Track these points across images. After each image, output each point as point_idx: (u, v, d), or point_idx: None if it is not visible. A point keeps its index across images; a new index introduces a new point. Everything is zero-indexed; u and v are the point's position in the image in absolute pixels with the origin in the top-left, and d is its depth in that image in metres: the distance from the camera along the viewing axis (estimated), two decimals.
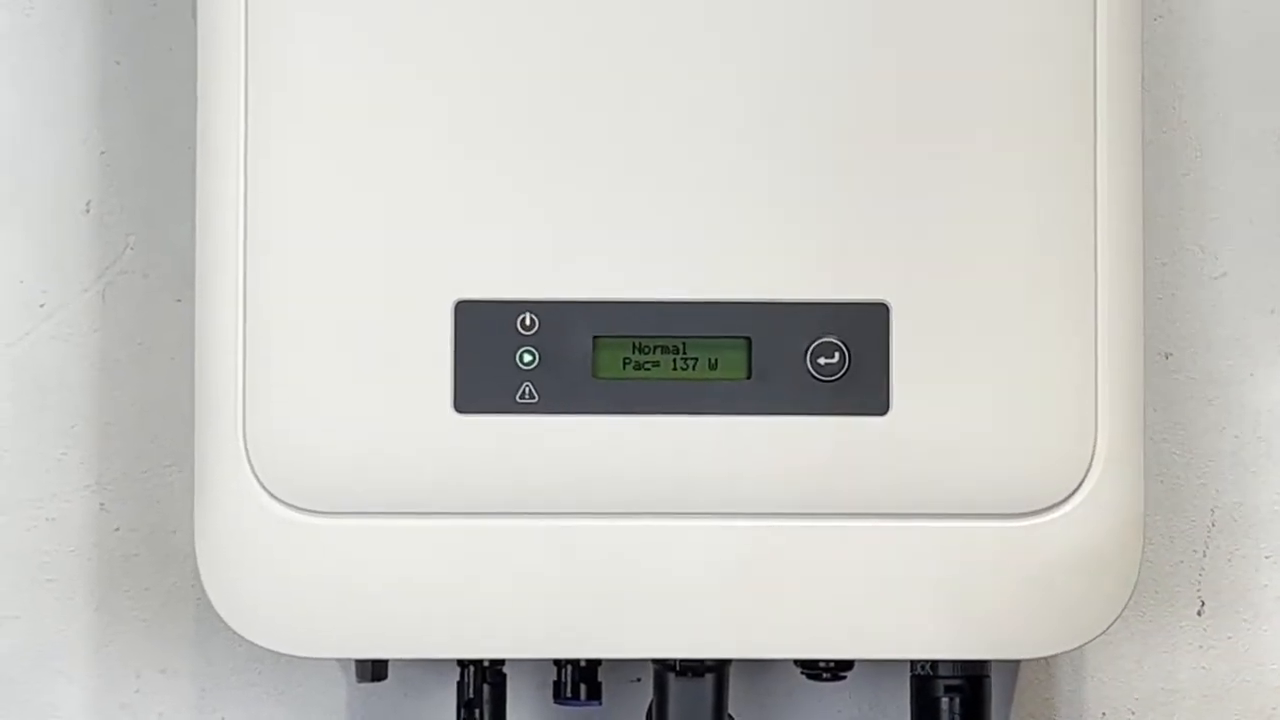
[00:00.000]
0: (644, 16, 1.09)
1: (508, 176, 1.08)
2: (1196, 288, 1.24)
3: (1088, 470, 1.08)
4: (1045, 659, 1.22)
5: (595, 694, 1.17)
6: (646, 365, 1.08)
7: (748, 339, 1.08)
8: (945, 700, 1.16)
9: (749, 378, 1.07)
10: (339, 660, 1.20)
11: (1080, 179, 1.09)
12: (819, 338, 1.07)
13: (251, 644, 1.09)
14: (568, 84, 1.09)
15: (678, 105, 1.09)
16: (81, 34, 1.24)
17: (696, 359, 1.08)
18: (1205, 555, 1.23)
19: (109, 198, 1.23)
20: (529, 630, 1.10)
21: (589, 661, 1.16)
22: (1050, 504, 1.08)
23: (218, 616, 1.09)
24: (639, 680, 1.17)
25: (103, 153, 1.23)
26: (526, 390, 1.06)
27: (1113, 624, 1.10)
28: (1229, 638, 1.23)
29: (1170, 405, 1.22)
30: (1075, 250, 1.09)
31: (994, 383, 1.09)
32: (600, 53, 1.09)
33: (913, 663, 1.16)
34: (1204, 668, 1.23)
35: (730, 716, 1.14)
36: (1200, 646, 1.23)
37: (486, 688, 1.15)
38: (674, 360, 1.08)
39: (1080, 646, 1.14)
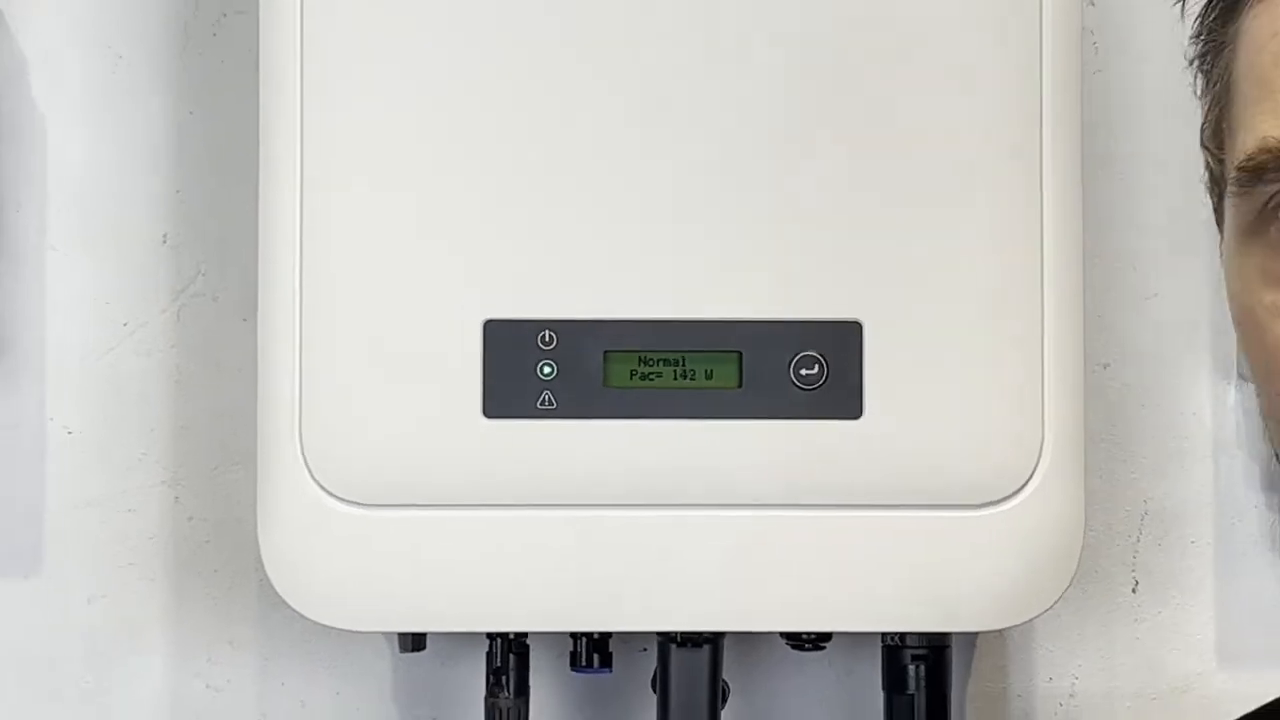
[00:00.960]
0: (650, 87, 1.09)
1: (530, 215, 1.08)
2: (1130, 307, 1.24)
3: (1035, 467, 1.08)
4: (999, 631, 1.22)
5: (607, 663, 1.17)
6: (651, 375, 1.08)
7: (739, 353, 1.07)
8: (912, 668, 1.16)
9: (740, 387, 1.07)
10: (384, 633, 1.20)
11: (1028, 215, 1.09)
12: (800, 352, 1.07)
13: (307, 619, 1.09)
14: (583, 143, 1.09)
15: (678, 158, 1.09)
16: (160, 87, 1.24)
17: (694, 370, 1.08)
18: (1138, 541, 1.24)
19: (183, 230, 1.23)
20: (549, 607, 1.10)
21: (601, 634, 1.16)
22: (1003, 496, 1.08)
23: (278, 595, 1.08)
24: (645, 650, 1.17)
25: (178, 191, 1.23)
26: (546, 398, 1.06)
27: (1058, 601, 1.09)
28: (1159, 612, 1.23)
29: (1108, 411, 1.22)
30: (1024, 276, 1.09)
31: (953, 391, 1.09)
32: (611, 117, 1.09)
33: (883, 635, 1.15)
34: (1137, 638, 1.23)
35: (724, 682, 1.14)
36: (1134, 620, 1.23)
37: (512, 657, 1.15)
38: (675, 371, 1.08)
39: (1030, 620, 1.12)
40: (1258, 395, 0.79)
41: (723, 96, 1.09)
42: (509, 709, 1.15)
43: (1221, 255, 0.79)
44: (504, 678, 1.15)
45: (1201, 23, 0.80)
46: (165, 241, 1.22)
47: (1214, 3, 0.79)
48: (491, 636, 1.14)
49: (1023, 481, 1.08)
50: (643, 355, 1.07)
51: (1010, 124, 1.10)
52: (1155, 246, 1.24)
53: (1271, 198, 0.74)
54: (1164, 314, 1.23)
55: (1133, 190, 1.24)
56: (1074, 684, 1.24)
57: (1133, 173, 1.24)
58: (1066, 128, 1.10)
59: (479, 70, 1.08)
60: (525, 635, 1.15)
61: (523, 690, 1.15)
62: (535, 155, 1.08)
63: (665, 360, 1.07)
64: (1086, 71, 1.13)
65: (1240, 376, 1.26)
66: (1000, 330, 1.09)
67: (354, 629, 1.14)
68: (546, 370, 1.06)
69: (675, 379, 1.08)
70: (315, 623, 1.09)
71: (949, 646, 1.17)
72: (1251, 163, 0.74)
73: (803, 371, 1.06)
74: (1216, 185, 0.79)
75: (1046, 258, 1.09)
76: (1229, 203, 0.77)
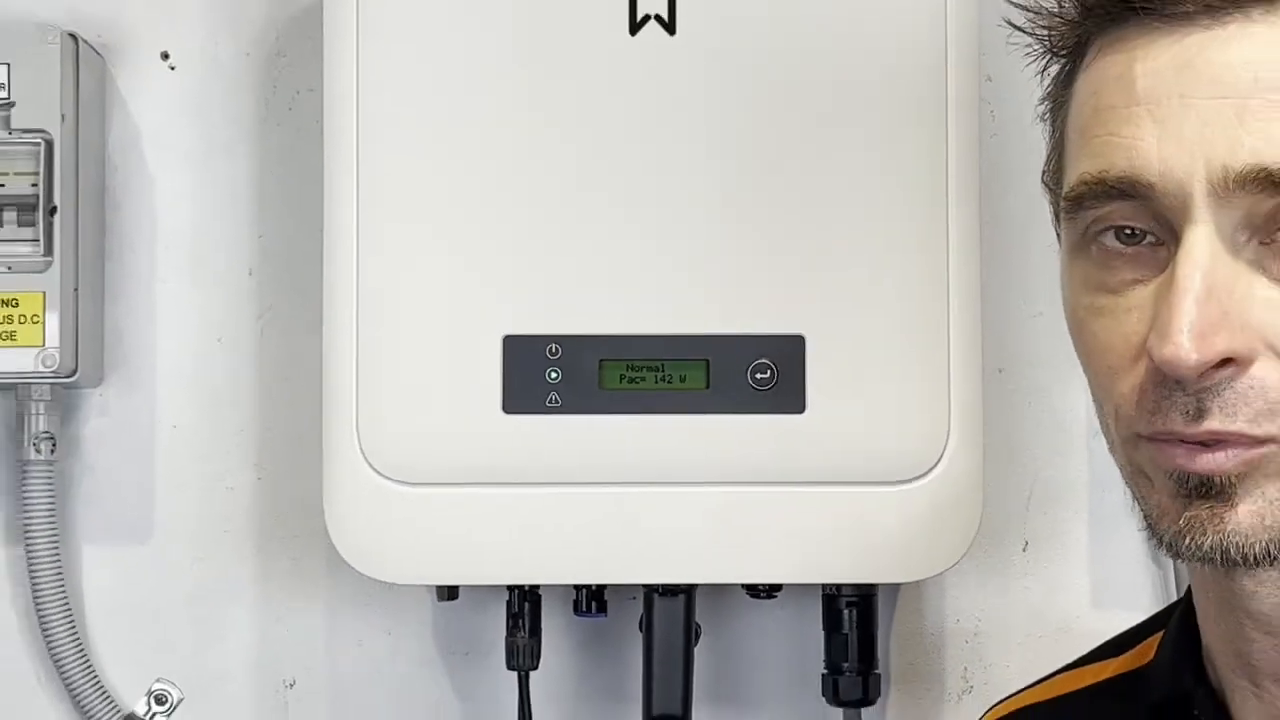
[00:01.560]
0: (636, 162, 1.10)
1: (540, 254, 1.10)
2: (1020, 324, 1.23)
3: (943, 452, 1.10)
4: (916, 582, 1.21)
5: (603, 609, 1.18)
6: (637, 379, 1.09)
7: (706, 361, 1.09)
8: (846, 612, 1.16)
9: (708, 388, 1.09)
10: (425, 586, 1.19)
11: (936, 252, 1.10)
12: (756, 359, 1.09)
13: (364, 575, 1.11)
14: (583, 202, 1.10)
15: (660, 212, 1.10)
16: (246, 151, 1.24)
17: (671, 375, 1.10)
18: (1028, 510, 1.23)
19: (264, 266, 1.23)
20: (557, 564, 1.11)
21: (598, 586, 1.17)
22: (917, 475, 1.09)
23: (340, 556, 1.10)
24: (634, 599, 1.16)
25: (260, 235, 1.23)
26: (553, 398, 1.08)
27: (962, 558, 1.11)
28: (1045, 567, 1.23)
29: (1002, 406, 1.21)
30: (933, 300, 1.11)
31: (877, 391, 1.10)
32: (604, 183, 1.10)
33: (823, 585, 1.16)
34: (1027, 588, 1.22)
35: (697, 624, 1.14)
36: (1025, 574, 1.22)
37: (527, 604, 1.15)
38: (656, 376, 1.09)
39: (940, 574, 1.14)
40: (1087, 381, 0.78)
41: (691, 167, 1.10)
42: (525, 646, 1.15)
43: (1060, 270, 0.79)
44: (520, 621, 1.15)
45: (1049, 86, 0.79)
46: (250, 274, 1.23)
47: (1058, 70, 0.78)
48: (510, 588, 1.15)
49: (933, 463, 1.09)
50: (630, 363, 1.09)
51: (920, 180, 1.11)
52: (1039, 275, 1.21)
53: (1091, 222, 0.73)
54: (1046, 329, 1.22)
55: (1021, 230, 1.22)
56: (977, 624, 1.23)
57: (1021, 217, 1.22)
58: (967, 181, 1.11)
59: (501, 147, 1.10)
60: (537, 587, 1.16)
61: (535, 631, 1.16)
62: (544, 210, 1.10)
63: (648, 367, 1.09)
64: (984, 134, 1.14)
65: None
66: (914, 343, 1.10)
67: (400, 582, 1.16)
68: (553, 375, 1.08)
69: (656, 382, 1.10)
70: (370, 577, 1.11)
71: (876, 594, 1.17)
72: (1074, 194, 0.73)
73: (758, 375, 1.08)
74: (1056, 215, 0.78)
75: (951, 285, 1.11)
76: (1062, 227, 0.77)
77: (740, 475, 1.09)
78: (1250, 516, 0.70)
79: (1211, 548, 0.70)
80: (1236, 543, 0.70)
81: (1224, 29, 0.70)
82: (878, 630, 1.18)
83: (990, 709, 0.95)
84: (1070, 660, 0.93)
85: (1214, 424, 0.69)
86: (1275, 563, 0.71)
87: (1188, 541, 0.71)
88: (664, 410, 1.09)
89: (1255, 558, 0.70)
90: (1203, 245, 0.69)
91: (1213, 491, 0.70)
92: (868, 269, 1.10)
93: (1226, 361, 0.68)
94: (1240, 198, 0.69)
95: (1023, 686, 0.95)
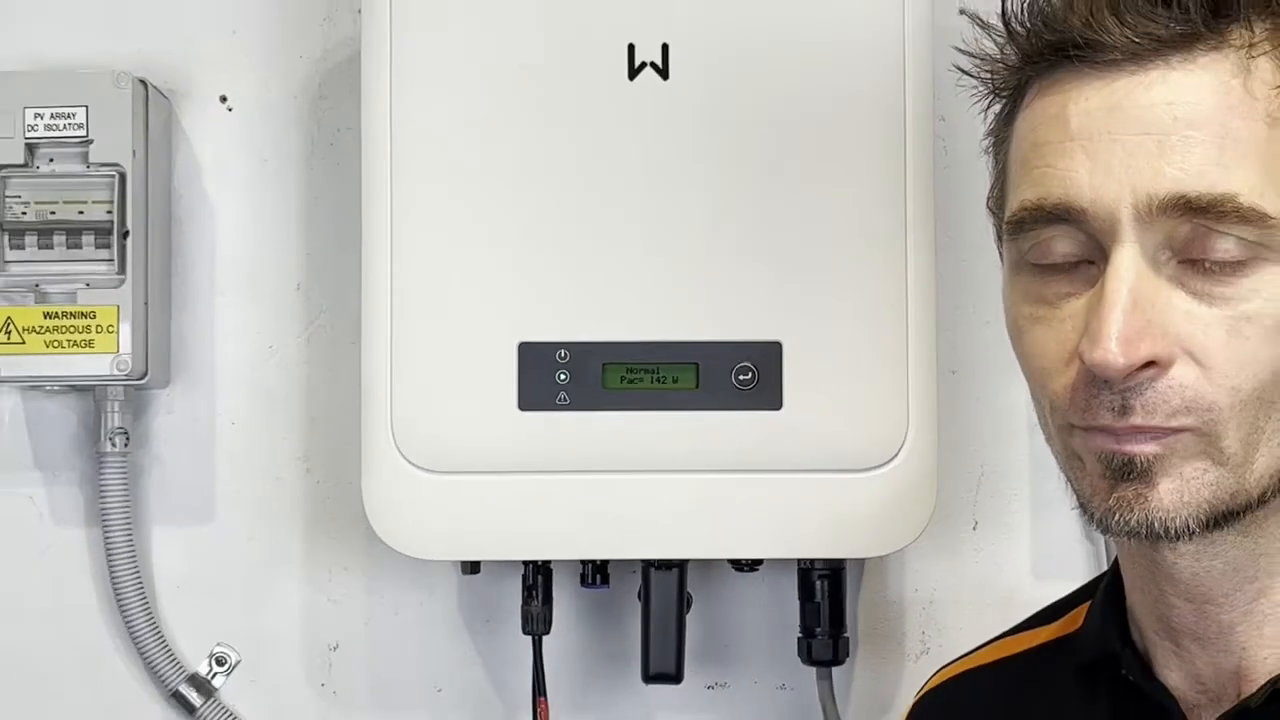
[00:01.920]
0: (634, 195, 1.10)
1: (550, 273, 1.09)
2: (971, 331, 1.22)
3: (902, 444, 1.10)
4: (880, 557, 1.21)
5: (606, 581, 1.17)
6: (635, 380, 1.10)
7: (696, 364, 1.09)
8: (818, 583, 1.16)
9: (698, 388, 1.09)
10: (451, 561, 1.19)
11: (896, 268, 1.10)
12: (739, 363, 1.09)
13: (397, 552, 1.11)
14: (587, 230, 1.10)
15: (656, 238, 1.09)
16: (294, 181, 1.24)
17: (665, 376, 1.10)
18: (977, 494, 1.23)
19: (311, 281, 1.24)
20: (565, 542, 1.11)
21: (602, 560, 1.17)
22: (879, 464, 1.09)
23: (377, 536, 1.10)
24: (634, 572, 1.15)
25: (307, 254, 1.24)
26: (562, 397, 1.08)
27: (920, 536, 1.11)
28: (992, 544, 1.23)
29: (954, 404, 1.19)
30: (893, 311, 1.10)
31: (844, 390, 1.09)
32: (606, 213, 1.09)
33: (798, 560, 1.16)
34: (977, 563, 1.23)
35: (689, 594, 1.15)
36: (975, 549, 1.23)
37: (540, 577, 1.15)
38: (652, 377, 1.10)
39: (901, 549, 1.14)
40: (1027, 381, 0.78)
41: (682, 195, 1.10)
42: (538, 614, 1.16)
43: (1003, 285, 0.78)
44: (534, 592, 1.16)
45: (993, 123, 0.79)
46: (298, 289, 1.24)
47: (1000, 110, 0.78)
48: (525, 563, 1.15)
49: (893, 454, 1.10)
50: (630, 366, 1.10)
51: (882, 207, 1.11)
52: (987, 289, 1.18)
53: (1031, 244, 0.73)
54: (994, 337, 1.17)
55: (972, 250, 1.21)
56: (932, 594, 1.23)
57: (971, 238, 1.19)
58: (924, 208, 1.11)
59: (516, 178, 1.10)
60: (549, 562, 1.16)
61: (547, 600, 1.16)
62: (554, 232, 1.10)
63: (645, 369, 1.10)
64: (939, 167, 1.13)
65: None
66: (877, 348, 1.10)
67: (429, 559, 1.15)
68: (562, 377, 1.09)
69: (652, 383, 1.10)
70: (402, 554, 1.11)
71: (844, 568, 1.17)
72: (1015, 218, 0.73)
73: (741, 377, 1.09)
74: (999, 236, 0.78)
75: (910, 298, 1.10)
76: (1005, 247, 0.76)
77: (725, 464, 1.09)
78: (1170, 495, 0.70)
79: (1137, 524, 0.70)
80: (1159, 519, 0.70)
81: (1147, 74, 0.70)
82: (846, 599, 1.17)
83: (936, 672, 0.95)
84: (1009, 627, 0.93)
85: (1137, 420, 0.69)
86: (1193, 536, 0.71)
87: (1116, 518, 0.71)
88: (659, 407, 1.09)
89: (1176, 532, 0.70)
90: (1129, 263, 0.69)
91: (1136, 473, 0.70)
92: (837, 284, 1.10)
93: (1149, 364, 0.68)
94: (1162, 222, 0.69)
95: (965, 652, 0.94)
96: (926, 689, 0.95)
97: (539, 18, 1.10)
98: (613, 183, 1.10)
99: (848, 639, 1.18)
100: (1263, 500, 0.72)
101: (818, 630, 1.16)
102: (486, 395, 1.09)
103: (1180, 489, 0.70)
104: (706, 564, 1.20)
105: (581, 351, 1.09)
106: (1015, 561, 1.23)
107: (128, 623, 1.20)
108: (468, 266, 1.09)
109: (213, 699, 1.22)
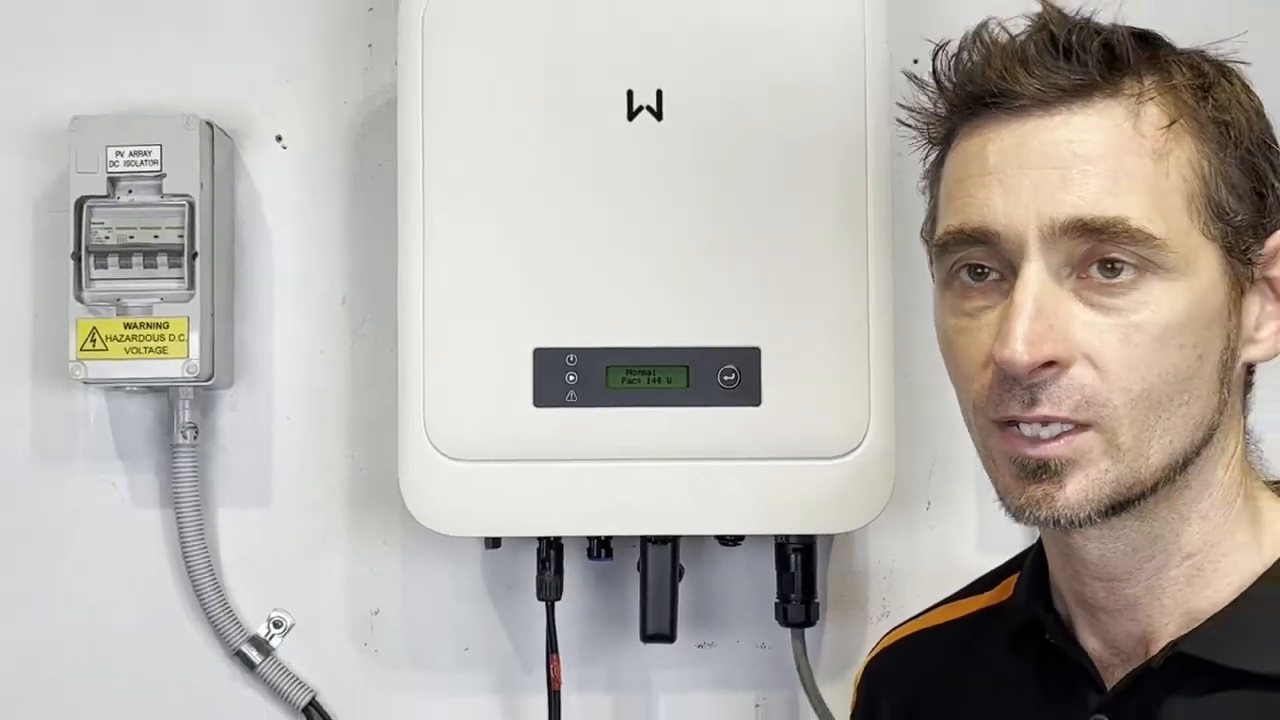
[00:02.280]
0: (634, 224, 1.10)
1: (561, 290, 1.09)
2: (923, 339, 0.98)
3: (864, 435, 1.10)
4: (846, 533, 1.22)
5: (609, 554, 1.18)
6: (634, 381, 1.10)
7: (687, 367, 1.09)
8: (793, 555, 1.16)
9: (688, 387, 1.09)
10: (476, 537, 1.18)
11: (858, 285, 1.10)
12: (724, 365, 1.09)
13: (429, 529, 1.11)
14: (594, 255, 1.09)
15: (654, 260, 1.09)
16: (340, 208, 1.24)
17: (661, 377, 1.10)
18: (929, 479, 1.24)
19: (356, 295, 1.24)
20: (574, 520, 1.11)
21: (606, 537, 1.17)
22: (845, 452, 1.10)
23: (411, 516, 1.11)
24: (634, 546, 1.16)
25: (352, 272, 1.24)
26: (571, 395, 1.09)
27: (880, 514, 1.11)
28: (944, 522, 1.23)
29: (909, 402, 1.19)
30: (857, 322, 1.10)
31: (814, 390, 1.10)
32: (610, 239, 1.09)
33: (776, 536, 1.16)
34: (930, 539, 1.23)
35: (681, 565, 1.15)
36: (929, 526, 1.23)
37: (552, 551, 1.16)
38: (648, 378, 1.10)
39: (864, 527, 1.14)
40: (953, 382, 0.78)
41: (675, 222, 1.10)
42: (551, 583, 1.16)
43: (934, 301, 0.78)
44: (547, 564, 1.16)
45: (928, 167, 0.80)
46: (344, 302, 1.24)
47: (935, 156, 0.78)
48: (540, 539, 1.15)
49: (857, 444, 1.10)
50: (629, 368, 1.10)
51: (847, 235, 1.11)
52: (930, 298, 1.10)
53: (954, 263, 0.74)
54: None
55: (925, 268, 1.03)
56: (892, 565, 1.24)
57: (923, 257, 0.99)
58: (882, 233, 1.11)
59: (532, 207, 1.09)
60: (560, 538, 1.15)
61: (559, 571, 1.16)
62: (564, 254, 1.10)
63: (643, 371, 1.10)
64: (896, 198, 1.13)
65: None
66: (842, 355, 1.10)
67: (456, 535, 1.15)
68: (571, 378, 1.09)
69: (649, 383, 1.10)
70: (434, 531, 1.11)
71: (815, 543, 1.17)
72: (941, 241, 0.74)
73: (725, 377, 1.09)
74: (931, 260, 0.78)
75: (870, 311, 1.11)
76: (935, 267, 0.77)
77: (712, 453, 1.09)
78: (1076, 493, 0.71)
79: (1046, 518, 0.71)
80: (1066, 514, 0.71)
81: (1052, 118, 0.71)
82: (817, 570, 1.17)
83: (885, 635, 0.94)
84: (947, 595, 0.93)
85: (1044, 410, 0.70)
86: (1096, 524, 0.72)
87: (1028, 514, 0.72)
88: (655, 404, 1.09)
89: (1080, 522, 0.71)
90: (1034, 277, 0.70)
91: (1046, 474, 0.71)
92: (808, 298, 1.09)
93: (1050, 364, 0.69)
94: (1063, 242, 0.69)
95: (908, 617, 0.94)
96: (877, 650, 0.94)
97: (551, 68, 1.09)
98: (614, 210, 1.09)
99: (818, 604, 1.17)
100: (1155, 489, 0.72)
101: (792, 596, 1.16)
102: (506, 394, 1.08)
103: (1086, 488, 0.71)
104: (696, 539, 1.19)
105: (588, 356, 1.09)
106: (963, 537, 1.23)
107: (196, 591, 1.20)
108: (490, 283, 1.09)
109: (270, 657, 1.21)
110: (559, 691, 1.17)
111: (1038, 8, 0.74)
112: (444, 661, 1.23)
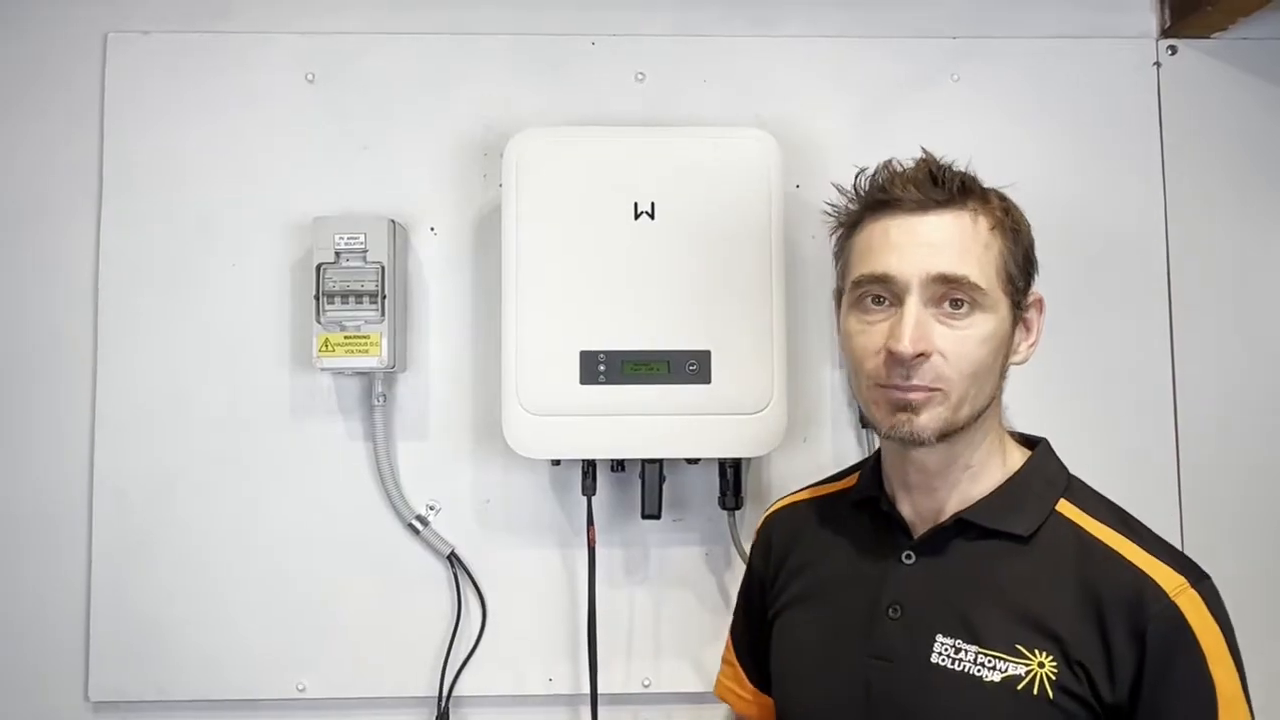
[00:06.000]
0: (638, 276, 1.09)
1: (596, 317, 1.09)
2: (804, 343, 1.20)
3: (770, 401, 1.13)
4: (759, 457, 1.21)
5: (623, 468, 1.19)
6: (637, 369, 1.10)
7: (668, 361, 1.11)
8: (729, 470, 1.19)
9: (669, 373, 1.10)
10: (546, 460, 1.18)
11: (765, 315, 1.10)
12: (689, 360, 1.11)
13: (518, 454, 1.11)
14: (613, 292, 1.08)
15: (647, 299, 1.09)
16: (468, 270, 1.22)
17: (653, 367, 1.10)
18: (806, 425, 1.23)
19: (476, 321, 1.19)
20: (602, 449, 1.11)
21: (620, 459, 1.18)
22: (759, 410, 1.12)
23: (509, 446, 1.12)
24: (637, 464, 1.15)
25: (475, 307, 1.20)
26: (601, 377, 1.11)
27: (778, 445, 1.13)
28: (813, 448, 1.22)
29: (796, 381, 1.19)
30: (766, 335, 1.11)
31: (742, 375, 1.12)
32: (623, 284, 1.08)
33: (719, 459, 1.18)
34: (805, 459, 1.21)
35: (664, 474, 1.17)
36: (805, 452, 1.22)
37: (590, 467, 1.18)
38: (645, 368, 1.11)
39: (768, 452, 1.14)
40: (850, 381, 0.79)
41: (663, 282, 1.11)
42: (588, 485, 1.18)
43: (838, 322, 0.81)
44: (587, 474, 1.20)
45: (838, 241, 0.81)
46: (469, 324, 1.22)
47: (843, 233, 0.79)
48: (583, 460, 1.19)
49: (765, 405, 1.14)
50: (634, 362, 1.12)
51: (759, 285, 1.13)
52: (813, 322, 1.21)
53: (863, 293, 0.76)
54: (815, 347, 1.21)
55: (806, 303, 1.22)
56: (784, 473, 1.23)
57: (803, 300, 1.20)
58: (781, 285, 1.14)
59: (578, 270, 1.10)
60: (594, 460, 1.20)
61: (593, 478, 1.20)
62: (595, 298, 1.11)
63: (642, 363, 1.12)
64: (790, 265, 1.15)
65: (840, 368, 1.23)
66: (759, 355, 1.12)
67: (535, 458, 1.16)
68: (601, 367, 1.13)
69: (645, 371, 1.11)
70: (521, 455, 1.14)
71: (741, 462, 1.22)
72: (856, 279, 0.76)
73: (690, 367, 1.12)
74: (837, 303, 0.79)
75: (773, 329, 1.13)
76: (845, 298, 0.78)
77: (682, 410, 1.13)
78: (927, 422, 0.75)
79: (905, 435, 0.75)
80: (917, 435, 0.75)
81: (926, 216, 0.75)
82: (743, 477, 1.21)
83: (774, 502, 0.98)
84: (817, 480, 0.97)
85: (915, 381, 0.74)
86: (930, 444, 0.76)
87: (896, 432, 0.75)
88: (649, 383, 1.12)
89: (923, 440, 0.76)
90: (914, 306, 0.74)
91: (909, 409, 0.75)
92: (739, 322, 1.13)
93: (921, 355, 0.74)
94: (931, 287, 0.74)
95: (791, 491, 0.97)
96: (770, 511, 0.99)
97: (588, 189, 1.13)
98: (626, 272, 1.13)
99: (742, 497, 1.22)
100: (964, 428, 0.78)
101: (728, 492, 1.21)
102: (563, 376, 1.13)
103: (929, 421, 0.75)
104: (673, 461, 1.22)
105: (611, 355, 1.12)
106: (822, 456, 1.26)
107: (385, 490, 1.23)
108: (555, 314, 1.13)
109: (429, 526, 1.23)
110: (594, 547, 1.20)
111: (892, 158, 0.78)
112: (528, 531, 1.24)
